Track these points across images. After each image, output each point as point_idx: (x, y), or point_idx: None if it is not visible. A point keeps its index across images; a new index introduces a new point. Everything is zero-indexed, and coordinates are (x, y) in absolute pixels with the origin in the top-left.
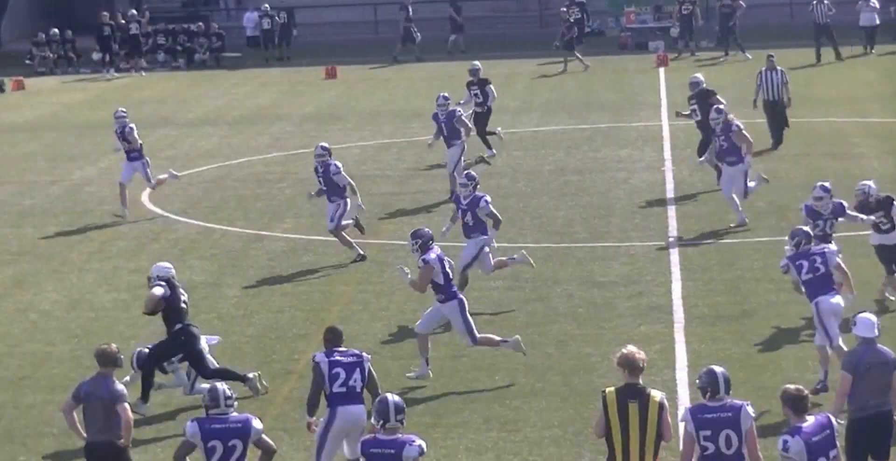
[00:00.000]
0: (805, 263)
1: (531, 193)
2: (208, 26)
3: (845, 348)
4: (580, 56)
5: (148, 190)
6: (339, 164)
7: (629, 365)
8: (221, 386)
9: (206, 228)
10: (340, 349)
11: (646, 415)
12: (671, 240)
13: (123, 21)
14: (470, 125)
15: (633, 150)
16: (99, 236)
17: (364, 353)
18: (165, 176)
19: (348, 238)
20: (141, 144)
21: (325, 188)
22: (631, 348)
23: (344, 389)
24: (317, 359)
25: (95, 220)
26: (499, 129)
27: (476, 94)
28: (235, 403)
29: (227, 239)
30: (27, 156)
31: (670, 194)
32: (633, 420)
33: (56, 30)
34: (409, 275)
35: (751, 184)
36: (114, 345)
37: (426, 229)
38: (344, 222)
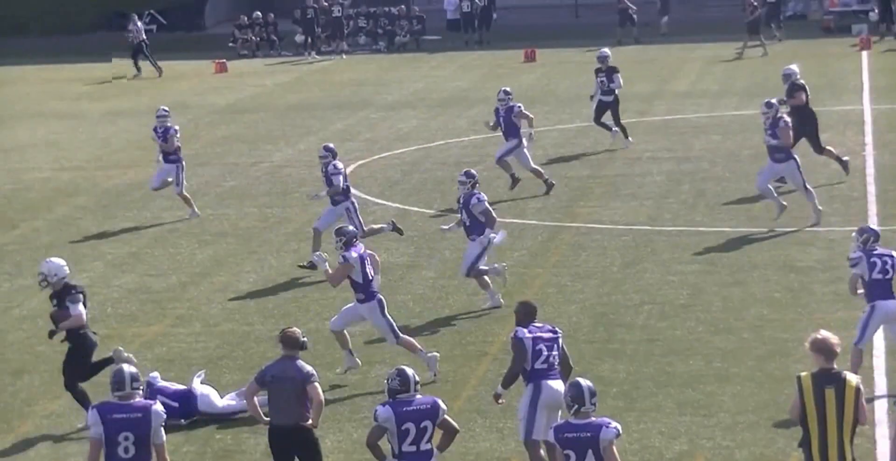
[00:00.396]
0: (878, 262)
1: (730, 178)
2: (409, 9)
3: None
4: (763, 40)
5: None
6: (340, 165)
7: (824, 350)
8: (410, 370)
9: (404, 210)
10: (537, 324)
11: (843, 399)
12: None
13: (326, 4)
14: (531, 115)
15: (834, 134)
16: (297, 217)
17: (558, 329)
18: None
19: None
20: (178, 147)
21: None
22: (825, 333)
23: (545, 365)
24: (519, 335)
25: (294, 202)
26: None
27: (602, 82)
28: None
29: (425, 221)
30: (228, 138)
31: (871, 178)
32: (830, 405)
33: (258, 13)
34: (327, 264)
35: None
36: (297, 329)
37: (350, 228)
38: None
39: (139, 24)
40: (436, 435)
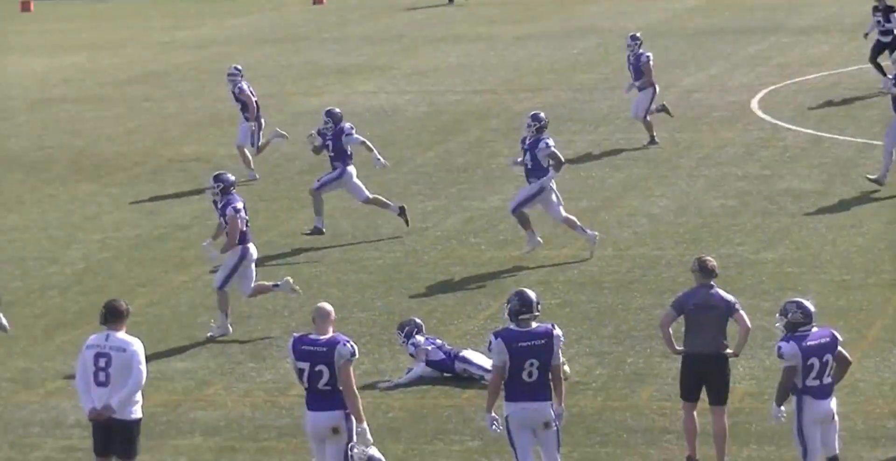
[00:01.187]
0: None
1: None
2: None
3: None
4: None
5: (753, 97)
6: (351, 125)
7: None
8: (808, 302)
9: (816, 137)
10: None
11: None
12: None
13: None
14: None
15: None
16: (709, 142)
17: None
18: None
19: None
20: (257, 104)
21: (332, 154)
22: None
23: None
24: None
25: (705, 127)
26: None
27: (879, 21)
28: None
29: (837, 147)
30: None
31: None
32: None
33: None
34: (212, 249)
35: None
36: (712, 259)
37: (229, 174)
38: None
39: None
40: None
